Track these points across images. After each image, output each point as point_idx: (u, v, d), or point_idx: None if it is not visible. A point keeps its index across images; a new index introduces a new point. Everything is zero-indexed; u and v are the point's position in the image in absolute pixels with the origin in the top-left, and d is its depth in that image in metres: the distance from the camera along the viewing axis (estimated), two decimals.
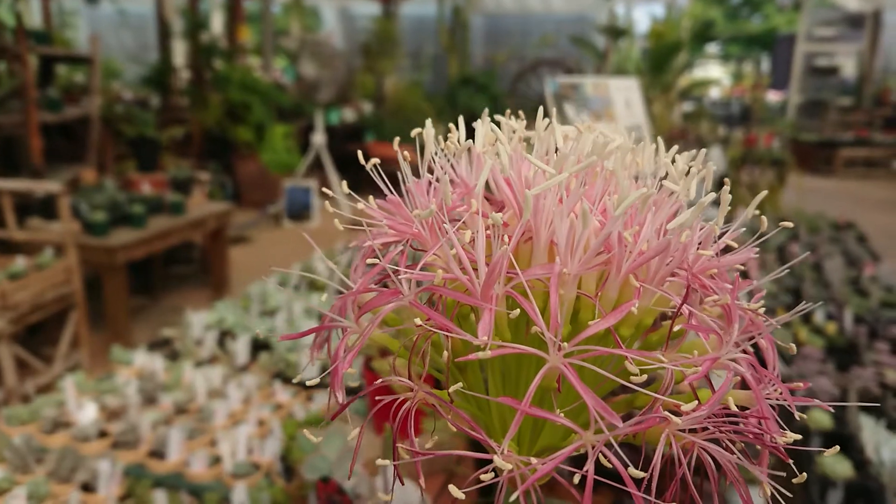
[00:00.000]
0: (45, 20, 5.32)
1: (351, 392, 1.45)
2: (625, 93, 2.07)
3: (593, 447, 0.24)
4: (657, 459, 0.25)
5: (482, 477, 0.24)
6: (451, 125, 0.33)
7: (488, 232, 0.25)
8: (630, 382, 0.23)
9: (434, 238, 0.27)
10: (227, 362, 2.05)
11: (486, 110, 0.33)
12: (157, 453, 1.60)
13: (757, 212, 0.28)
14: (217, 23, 8.07)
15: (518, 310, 0.24)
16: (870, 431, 1.79)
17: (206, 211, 4.07)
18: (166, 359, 2.03)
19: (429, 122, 0.33)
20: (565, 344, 0.23)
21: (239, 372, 1.99)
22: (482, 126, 0.32)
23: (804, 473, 0.31)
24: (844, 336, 2.48)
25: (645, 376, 0.24)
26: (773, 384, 0.29)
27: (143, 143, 4.24)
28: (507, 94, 8.87)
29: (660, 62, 6.86)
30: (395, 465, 0.31)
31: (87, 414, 1.70)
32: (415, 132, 0.34)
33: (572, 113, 1.89)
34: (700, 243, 0.27)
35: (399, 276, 0.27)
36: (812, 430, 1.86)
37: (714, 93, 14.73)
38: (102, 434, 1.69)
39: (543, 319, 0.23)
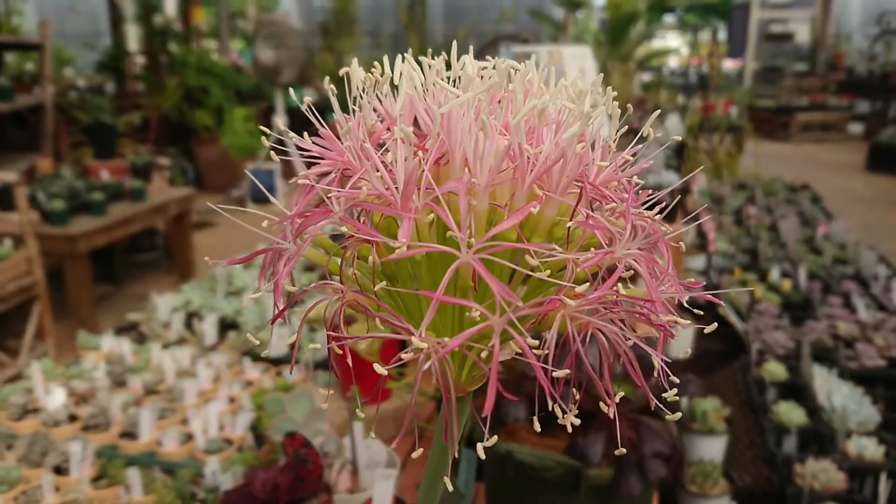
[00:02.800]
0: None
1: (320, 366, 1.46)
2: (579, 61, 2.10)
3: (499, 329, 0.27)
4: (552, 337, 0.28)
5: (402, 355, 0.27)
6: (376, 62, 0.35)
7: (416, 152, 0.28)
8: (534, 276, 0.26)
9: (362, 164, 0.30)
10: (196, 343, 2.06)
11: (410, 50, 0.35)
12: (129, 434, 1.61)
13: (651, 130, 0.31)
14: (170, 6, 7.91)
15: (433, 215, 0.27)
16: (822, 380, 1.87)
17: (167, 196, 4.03)
18: (133, 342, 2.03)
19: (355, 60, 0.35)
20: (473, 240, 0.26)
21: (207, 351, 2.00)
22: (404, 63, 0.34)
23: (689, 351, 0.34)
24: (799, 292, 2.56)
25: (548, 271, 0.27)
26: (667, 280, 0.32)
27: (99, 129, 4.17)
28: None
29: (617, 33, 6.91)
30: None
31: (55, 399, 1.70)
32: (342, 70, 0.36)
33: None
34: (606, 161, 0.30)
35: (329, 196, 0.29)
36: (767, 381, 1.93)
37: (672, 62, 14.87)
38: (72, 418, 1.69)
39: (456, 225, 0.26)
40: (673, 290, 0.33)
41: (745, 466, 1.79)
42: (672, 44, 15.40)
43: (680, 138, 0.39)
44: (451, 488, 0.35)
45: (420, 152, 0.28)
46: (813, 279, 2.68)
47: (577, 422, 0.31)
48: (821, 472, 1.54)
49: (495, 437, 0.32)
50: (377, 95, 0.32)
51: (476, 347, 0.27)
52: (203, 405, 1.69)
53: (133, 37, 6.73)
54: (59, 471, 1.50)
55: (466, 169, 0.27)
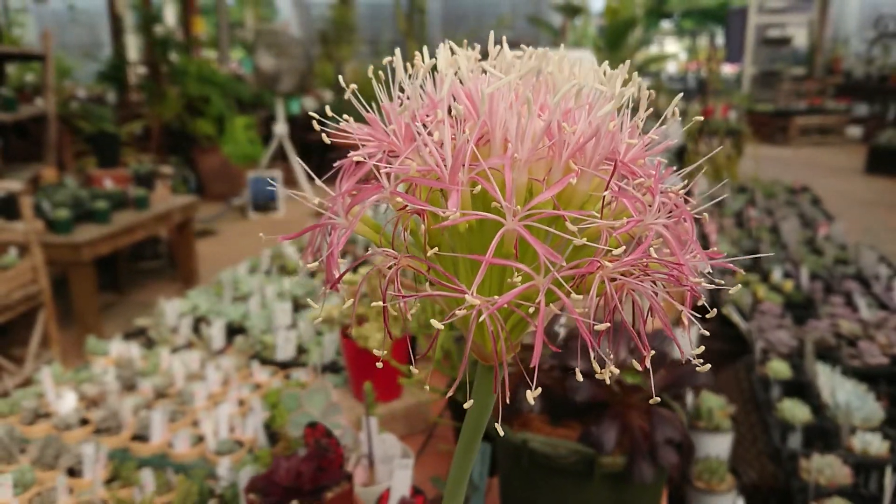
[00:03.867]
0: None
1: (328, 368, 1.47)
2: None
3: (543, 289, 0.28)
4: (592, 295, 0.29)
5: (457, 312, 0.28)
6: (417, 53, 0.37)
7: (454, 133, 0.30)
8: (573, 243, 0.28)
9: (407, 144, 0.31)
10: (204, 347, 2.07)
11: (446, 40, 0.37)
12: (140, 437, 1.62)
13: (676, 110, 0.33)
14: (170, 16, 7.95)
15: (480, 187, 0.29)
16: (826, 377, 1.88)
17: (170, 205, 4.05)
18: (142, 347, 2.05)
19: (398, 50, 0.37)
20: (518, 207, 0.28)
21: (216, 355, 2.01)
22: (443, 50, 0.36)
23: (715, 309, 0.36)
24: (801, 292, 2.58)
25: (584, 239, 0.29)
26: (693, 248, 0.34)
27: (102, 138, 4.20)
28: None
29: (615, 38, 6.95)
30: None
31: (66, 403, 1.71)
32: (386, 60, 0.38)
33: None
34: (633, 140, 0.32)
35: (381, 171, 0.31)
36: (772, 379, 1.95)
37: (671, 67, 14.93)
38: (84, 422, 1.70)
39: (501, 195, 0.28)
40: (698, 258, 0.35)
41: (751, 463, 1.81)
42: (670, 49, 15.47)
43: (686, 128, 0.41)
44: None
45: (463, 132, 0.29)
46: (815, 279, 2.69)
47: (617, 371, 0.33)
48: (826, 467, 1.56)
49: (539, 390, 0.33)
50: (420, 83, 0.34)
51: (524, 304, 0.29)
52: (213, 408, 1.71)
53: (133, 47, 6.76)
54: (73, 473, 1.51)
55: (505, 147, 0.29)
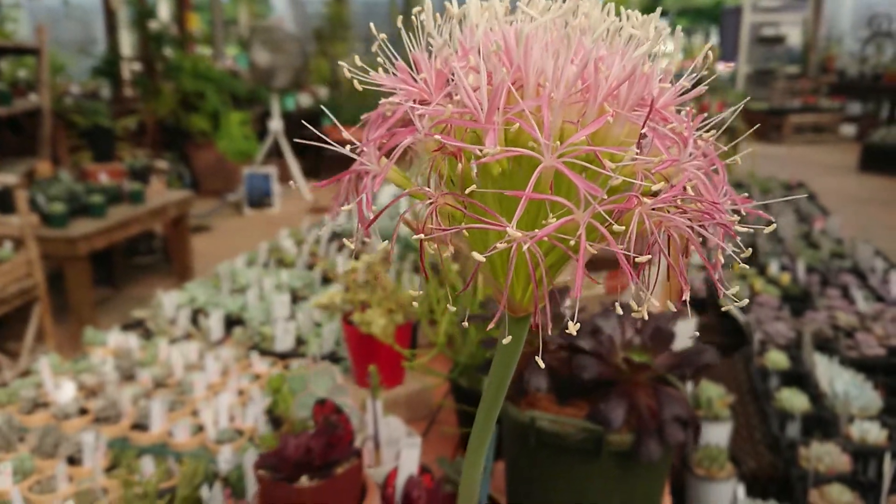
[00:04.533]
0: None
1: (326, 358, 1.46)
2: None
3: (582, 223, 0.28)
4: (632, 229, 0.29)
5: (498, 245, 0.28)
6: (448, 3, 0.37)
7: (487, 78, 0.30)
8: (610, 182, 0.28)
9: (438, 91, 0.31)
10: (202, 338, 2.07)
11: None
12: (140, 426, 1.62)
13: (710, 53, 0.33)
14: (164, 12, 7.92)
15: (515, 127, 0.29)
16: (824, 368, 1.89)
17: (166, 199, 4.03)
18: (140, 338, 2.04)
19: (429, 3, 0.37)
20: (558, 143, 0.28)
21: (214, 346, 2.01)
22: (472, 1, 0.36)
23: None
24: (798, 285, 2.59)
25: (620, 178, 0.29)
26: (724, 190, 0.35)
27: (97, 133, 4.18)
28: None
29: None
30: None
31: (65, 393, 1.70)
32: (416, 9, 0.37)
33: None
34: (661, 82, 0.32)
35: (416, 112, 0.31)
36: (770, 369, 1.96)
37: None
38: (83, 412, 1.70)
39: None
40: (729, 199, 0.35)
41: (750, 453, 1.81)
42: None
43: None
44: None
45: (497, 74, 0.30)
46: (811, 272, 2.70)
47: (657, 304, 0.33)
48: (825, 455, 1.57)
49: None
50: (449, 29, 0.34)
51: (563, 237, 0.29)
52: (212, 398, 1.70)
53: (127, 44, 6.73)
54: (72, 461, 1.51)
55: (538, 92, 0.29)
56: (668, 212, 0.30)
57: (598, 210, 0.28)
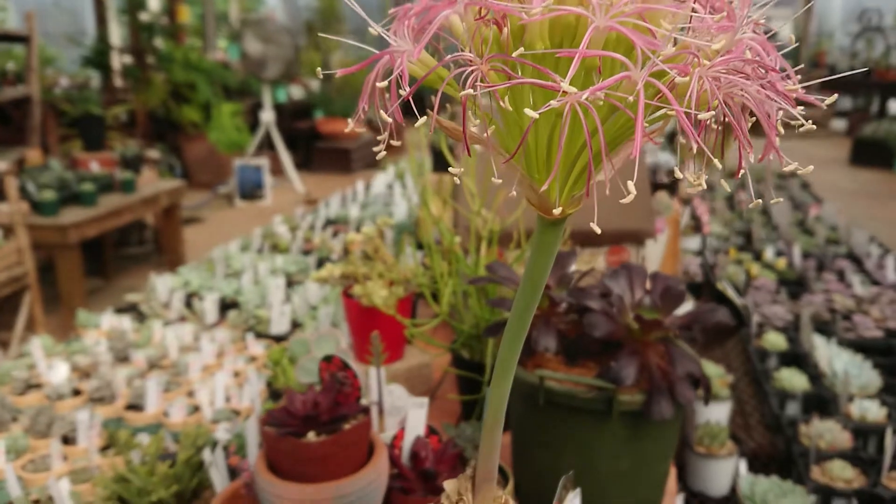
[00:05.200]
0: None
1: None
2: None
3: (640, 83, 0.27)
4: (693, 89, 0.28)
5: (553, 103, 0.26)
6: None
7: None
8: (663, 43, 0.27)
9: None
10: (196, 321, 2.04)
11: None
12: (135, 406, 1.60)
13: None
14: (154, 3, 7.86)
15: None
16: (823, 349, 1.89)
17: (157, 188, 4.00)
18: (134, 321, 2.02)
19: None
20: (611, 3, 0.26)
21: (210, 329, 1.99)
22: None
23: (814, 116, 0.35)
24: (794, 270, 2.59)
25: (674, 49, 0.27)
26: (776, 59, 0.33)
27: (87, 121, 4.14)
28: None
29: None
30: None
31: (58, 373, 1.68)
32: None
33: None
34: None
35: None
36: (769, 350, 1.95)
37: None
38: (76, 393, 1.67)
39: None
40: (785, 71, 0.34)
41: (750, 433, 1.81)
42: None
43: None
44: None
45: None
46: (807, 258, 2.71)
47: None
48: (826, 432, 1.56)
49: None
50: None
51: (619, 96, 0.27)
52: (208, 378, 1.68)
53: (117, 36, 6.66)
54: (67, 441, 1.48)
55: None
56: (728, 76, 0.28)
57: (658, 65, 0.26)
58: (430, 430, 0.78)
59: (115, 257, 4.40)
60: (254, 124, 6.37)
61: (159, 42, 6.06)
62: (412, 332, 1.01)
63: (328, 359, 0.73)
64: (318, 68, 0.39)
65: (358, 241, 1.24)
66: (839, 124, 10.41)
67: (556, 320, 0.86)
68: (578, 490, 0.82)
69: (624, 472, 0.84)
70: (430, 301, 1.11)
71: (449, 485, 0.42)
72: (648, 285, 0.87)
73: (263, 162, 5.95)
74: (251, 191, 5.97)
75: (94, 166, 3.87)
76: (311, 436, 0.66)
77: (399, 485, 0.73)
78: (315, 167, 7.20)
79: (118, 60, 6.08)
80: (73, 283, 3.41)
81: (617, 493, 0.85)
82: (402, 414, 0.92)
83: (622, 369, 0.76)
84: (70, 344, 1.85)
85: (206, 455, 0.86)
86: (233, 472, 0.89)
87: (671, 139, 4.17)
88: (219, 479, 0.84)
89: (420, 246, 1.50)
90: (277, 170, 6.47)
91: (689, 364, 0.76)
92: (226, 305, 2.13)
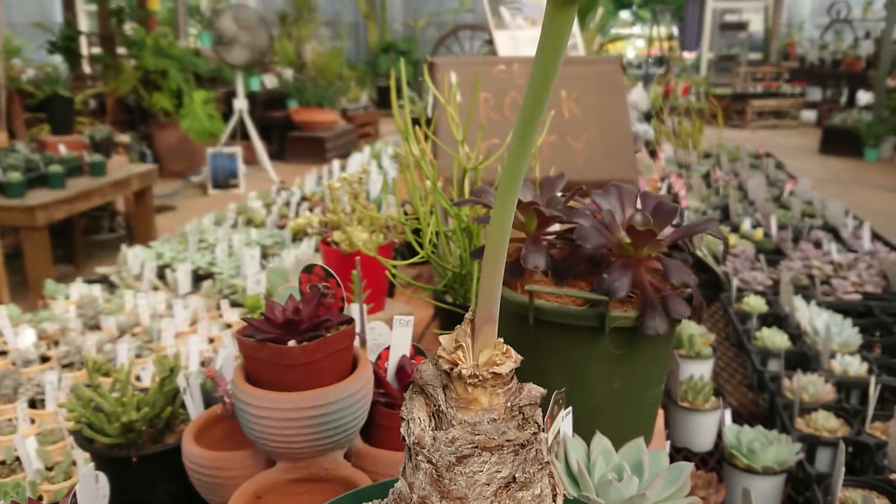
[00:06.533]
0: None
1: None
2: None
3: None
4: None
5: None
6: None
7: None
8: None
9: None
10: (169, 292, 1.99)
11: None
12: (105, 372, 1.55)
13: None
14: None
15: None
16: (803, 310, 1.89)
17: (128, 171, 3.92)
18: (105, 291, 1.96)
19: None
20: None
21: (184, 298, 1.94)
22: None
23: None
24: (771, 241, 2.59)
25: None
26: None
27: (55, 103, 4.03)
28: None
29: (579, 19, 6.97)
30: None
31: (25, 339, 1.63)
32: None
33: (508, 16, 1.90)
34: None
35: None
36: (750, 312, 1.95)
37: (629, 53, 15.10)
38: (44, 359, 1.62)
39: None
40: None
41: (732, 394, 1.80)
42: (632, 31, 15.62)
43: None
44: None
45: None
46: (783, 230, 2.71)
47: None
48: (809, 385, 1.56)
49: None
50: None
51: None
52: (182, 344, 1.63)
53: (85, 24, 6.53)
54: (35, 405, 1.43)
55: None
56: None
57: None
58: (416, 350, 0.75)
59: (86, 244, 4.31)
60: (227, 113, 6.28)
61: (129, 28, 5.95)
62: (394, 273, 0.97)
63: (309, 269, 0.69)
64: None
65: (338, 187, 1.21)
66: (809, 115, 10.55)
67: (547, 244, 0.84)
68: (570, 409, 0.79)
69: (616, 394, 0.82)
70: (412, 242, 1.09)
71: (444, 339, 0.39)
72: (639, 205, 0.85)
73: (237, 150, 5.88)
74: (225, 179, 5.89)
75: (63, 149, 3.78)
76: (292, 343, 0.63)
77: (384, 400, 0.70)
78: (289, 157, 7.13)
79: (87, 47, 5.95)
80: (41, 266, 3.32)
81: (608, 416, 0.83)
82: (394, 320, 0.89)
83: (615, 280, 0.73)
84: (37, 314, 1.79)
85: (181, 381, 0.82)
86: (208, 403, 0.85)
87: (647, 120, 4.18)
88: (194, 408, 0.81)
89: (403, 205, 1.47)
90: (251, 159, 6.39)
91: (685, 274, 0.74)
92: (199, 277, 2.08)
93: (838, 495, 1.22)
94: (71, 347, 1.57)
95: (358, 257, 0.87)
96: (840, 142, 8.06)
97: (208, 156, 5.80)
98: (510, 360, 0.39)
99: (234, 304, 1.89)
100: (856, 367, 1.65)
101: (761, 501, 1.35)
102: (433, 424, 0.38)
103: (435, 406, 0.38)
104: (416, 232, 1.12)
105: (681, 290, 0.80)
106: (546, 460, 0.39)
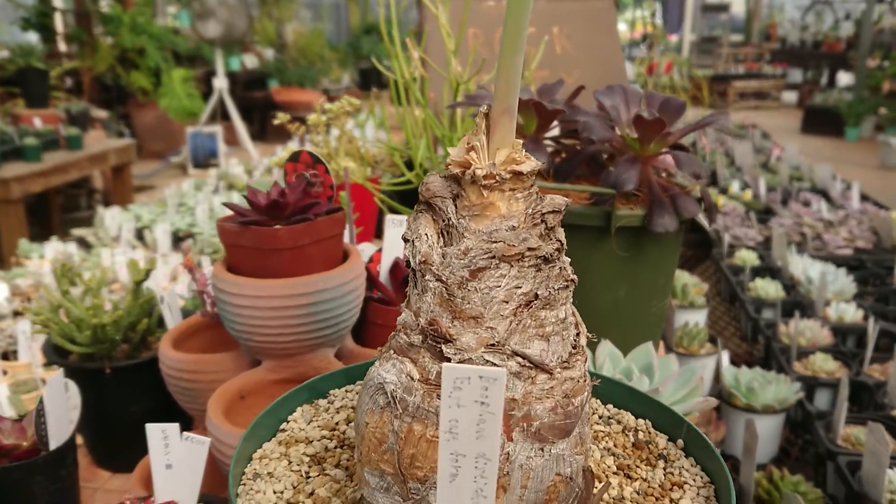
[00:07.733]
0: None
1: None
2: None
3: None
4: None
5: None
6: None
7: None
8: None
9: None
10: (148, 252, 1.93)
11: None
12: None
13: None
14: None
15: None
16: (797, 262, 1.87)
17: (106, 146, 3.84)
18: (81, 250, 1.90)
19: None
20: None
21: (163, 256, 1.88)
22: None
23: None
24: (760, 201, 2.57)
25: None
26: None
27: (29, 75, 3.92)
28: None
29: None
30: None
31: None
32: None
33: None
34: None
35: None
36: (742, 265, 1.92)
37: None
38: (17, 315, 1.56)
39: None
40: None
41: (727, 344, 1.78)
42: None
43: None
44: None
45: None
46: (772, 192, 2.69)
47: None
48: (806, 330, 1.53)
49: None
50: None
51: None
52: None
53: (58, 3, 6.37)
54: (7, 357, 1.38)
55: None
56: None
57: None
58: None
59: (64, 222, 4.22)
60: (206, 93, 6.17)
61: (105, 6, 5.82)
62: (381, 198, 0.93)
63: (295, 157, 0.65)
64: None
65: (322, 122, 1.16)
66: (790, 96, 10.59)
67: (546, 140, 0.80)
68: None
69: (621, 302, 0.78)
70: (401, 166, 1.04)
71: (453, 150, 0.35)
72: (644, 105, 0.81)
73: (217, 129, 5.78)
74: (205, 159, 5.80)
75: (38, 122, 3.68)
76: (278, 227, 0.58)
77: (377, 296, 0.66)
78: (270, 138, 7.03)
79: (62, 25, 5.82)
80: (17, 240, 3.24)
81: (613, 327, 0.79)
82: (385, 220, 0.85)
83: (622, 173, 0.69)
84: (10, 272, 1.73)
85: (159, 294, 0.77)
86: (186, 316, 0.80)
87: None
88: (172, 322, 0.76)
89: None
90: (232, 139, 6.30)
91: (696, 166, 0.70)
92: (178, 239, 2.02)
93: (840, 432, 1.19)
94: (44, 303, 1.51)
95: (344, 190, 0.82)
96: (821, 121, 8.10)
97: (188, 135, 5.69)
98: (531, 161, 0.34)
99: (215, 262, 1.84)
100: (851, 313, 1.63)
101: (761, 440, 1.32)
102: (441, 242, 0.34)
103: (444, 221, 0.34)
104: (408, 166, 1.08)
105: (690, 189, 0.76)
106: (572, 278, 0.35)
